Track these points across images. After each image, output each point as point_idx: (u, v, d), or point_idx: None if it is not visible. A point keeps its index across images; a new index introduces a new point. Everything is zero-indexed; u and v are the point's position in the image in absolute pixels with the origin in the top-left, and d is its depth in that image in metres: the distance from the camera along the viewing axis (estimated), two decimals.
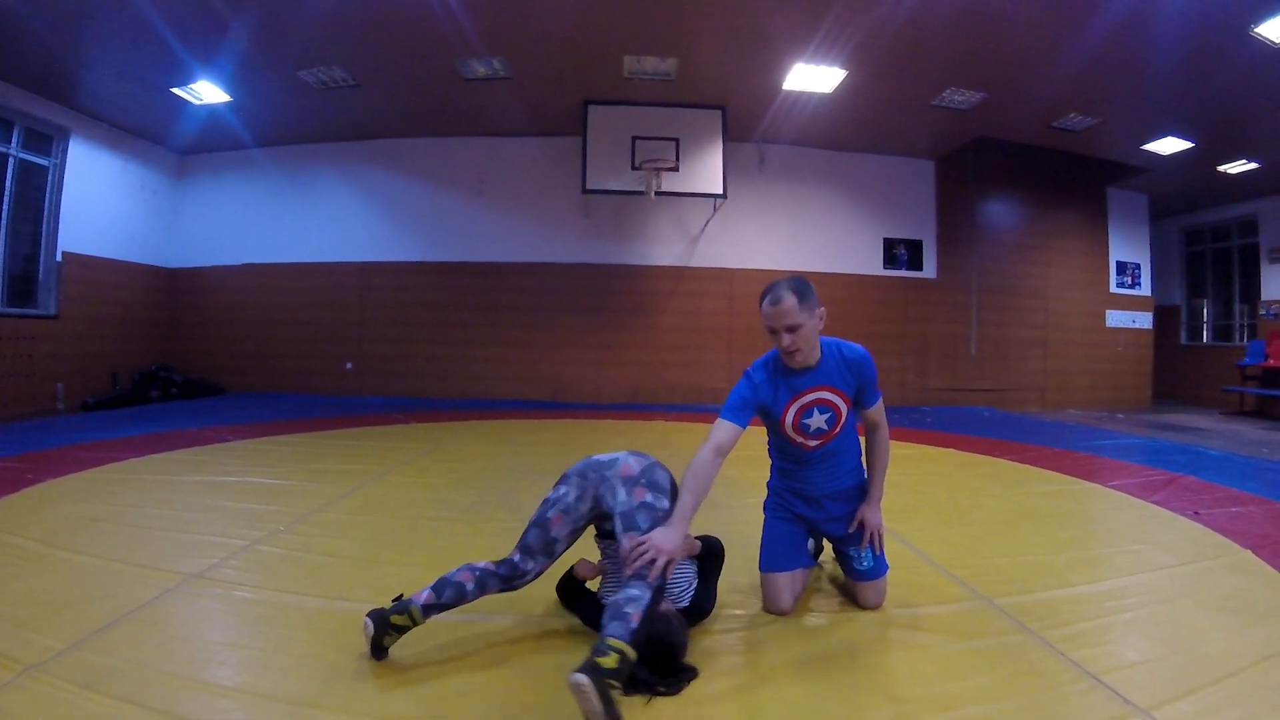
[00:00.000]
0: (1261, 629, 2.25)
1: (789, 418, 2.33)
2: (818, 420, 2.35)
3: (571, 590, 2.29)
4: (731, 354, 9.65)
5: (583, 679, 1.48)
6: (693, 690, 1.82)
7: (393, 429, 6.73)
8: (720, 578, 2.35)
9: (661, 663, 1.85)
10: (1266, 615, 2.37)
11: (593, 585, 2.33)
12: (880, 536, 2.42)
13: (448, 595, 2.02)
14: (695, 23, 6.41)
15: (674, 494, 2.13)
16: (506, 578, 2.12)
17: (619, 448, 2.33)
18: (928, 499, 4.14)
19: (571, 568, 2.31)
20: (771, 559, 2.40)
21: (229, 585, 2.52)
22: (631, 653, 1.63)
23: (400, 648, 1.98)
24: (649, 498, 2.07)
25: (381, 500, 3.92)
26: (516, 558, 2.15)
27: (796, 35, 6.50)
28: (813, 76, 7.39)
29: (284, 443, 5.65)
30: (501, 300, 9.74)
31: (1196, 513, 3.75)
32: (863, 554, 2.41)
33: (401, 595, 2.01)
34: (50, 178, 8.05)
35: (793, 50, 6.83)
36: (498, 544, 2.30)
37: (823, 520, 2.49)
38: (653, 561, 1.87)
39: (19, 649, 1.92)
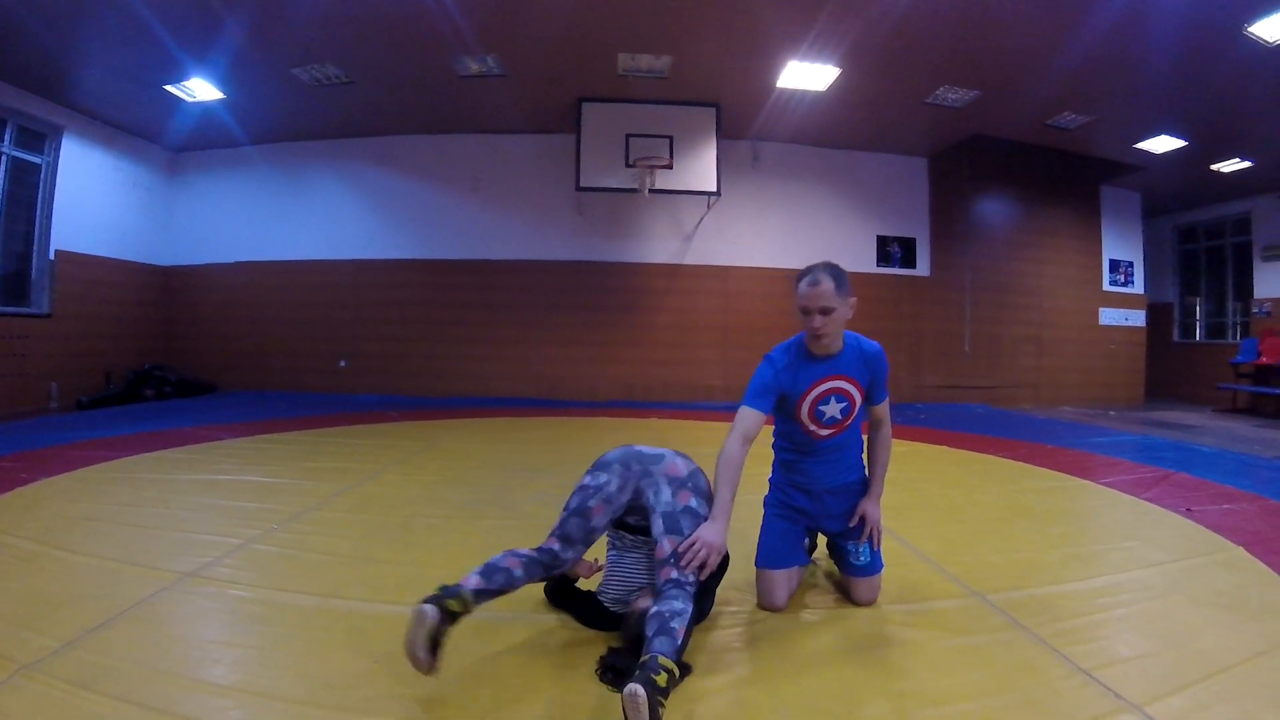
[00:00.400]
0: (1253, 625, 2.26)
1: (806, 404, 2.37)
2: (833, 409, 2.39)
3: (564, 590, 2.28)
4: (726, 351, 9.66)
5: (640, 692, 1.48)
6: (687, 687, 1.82)
7: (387, 427, 6.72)
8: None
9: None
10: (1258, 611, 2.38)
11: (584, 584, 2.32)
12: (879, 532, 2.44)
13: (497, 580, 1.96)
14: (690, 20, 6.40)
15: (710, 500, 2.17)
16: (548, 565, 2.13)
17: (614, 445, 2.32)
18: (922, 496, 4.15)
19: None
20: (768, 556, 2.42)
21: (224, 584, 2.52)
22: (677, 671, 1.65)
23: (395, 645, 1.96)
24: (693, 503, 2.11)
25: (376, 498, 3.91)
26: (556, 546, 2.15)
27: (790, 33, 6.50)
28: (807, 74, 7.39)
29: (278, 441, 5.64)
30: (496, 298, 9.71)
31: (1189, 509, 3.77)
32: (860, 549, 2.43)
33: (444, 585, 1.86)
34: (43, 175, 7.99)
35: (787, 48, 6.83)
36: (493, 541, 2.30)
37: (822, 516, 2.51)
38: (704, 560, 1.96)
39: (14, 648, 1.91)
